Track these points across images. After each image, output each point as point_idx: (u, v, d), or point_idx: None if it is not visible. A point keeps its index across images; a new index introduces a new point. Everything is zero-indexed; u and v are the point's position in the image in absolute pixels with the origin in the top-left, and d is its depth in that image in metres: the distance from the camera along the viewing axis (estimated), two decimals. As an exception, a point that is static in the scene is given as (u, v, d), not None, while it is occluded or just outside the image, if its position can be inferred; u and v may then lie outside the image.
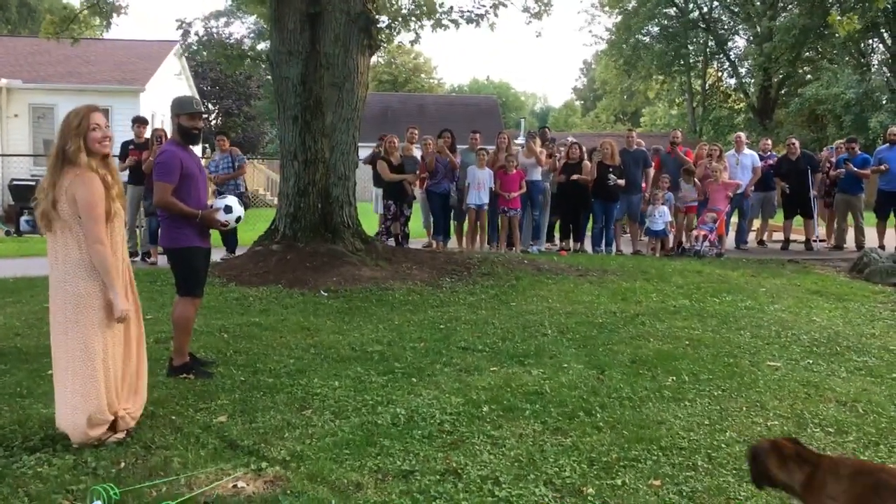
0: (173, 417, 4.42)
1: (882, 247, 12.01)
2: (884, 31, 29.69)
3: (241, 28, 45.52)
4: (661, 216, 12.28)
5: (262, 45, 35.10)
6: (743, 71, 38.35)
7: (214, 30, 42.53)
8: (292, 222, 9.84)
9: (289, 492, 3.45)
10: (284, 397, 4.83)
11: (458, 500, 3.38)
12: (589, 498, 3.42)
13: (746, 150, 13.23)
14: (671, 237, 12.84)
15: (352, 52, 9.89)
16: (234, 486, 3.50)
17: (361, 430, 4.24)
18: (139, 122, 11.67)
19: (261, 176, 29.68)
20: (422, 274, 9.35)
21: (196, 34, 15.65)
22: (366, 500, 3.37)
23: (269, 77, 13.98)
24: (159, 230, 5.80)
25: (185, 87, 27.65)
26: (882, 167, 12.59)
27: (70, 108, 4.20)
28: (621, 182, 12.08)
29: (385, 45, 11.69)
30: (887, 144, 12.85)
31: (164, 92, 23.21)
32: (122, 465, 3.75)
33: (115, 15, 12.61)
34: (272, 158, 30.42)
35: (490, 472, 3.67)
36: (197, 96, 28.52)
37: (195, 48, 33.97)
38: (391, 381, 5.20)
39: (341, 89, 9.85)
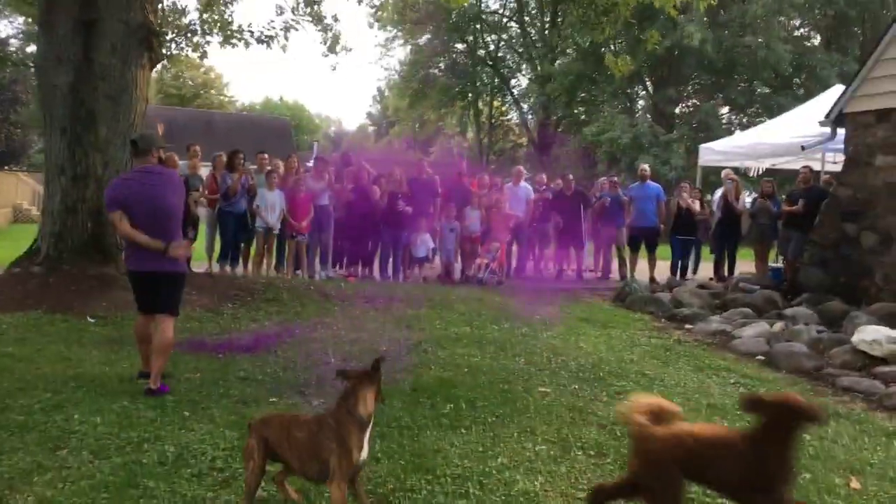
0: None
1: (632, 277, 13.07)
2: (646, 78, 32.75)
3: (7, 28, 41.72)
4: (424, 243, 12.71)
5: (33, 48, 32.39)
6: (525, 107, 40.70)
7: (-25, 26, 38.66)
8: (57, 242, 9.07)
9: (34, 545, 3.13)
10: (36, 436, 4.40)
11: (227, 543, 3.23)
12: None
13: (522, 183, 14.01)
14: (456, 265, 13.27)
15: (130, 64, 9.34)
16: (-32, 543, 3.12)
17: (124, 470, 3.95)
18: None
19: (26, 189, 27.30)
20: (202, 299, 8.95)
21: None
22: (124, 549, 3.13)
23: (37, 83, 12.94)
24: None
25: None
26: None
27: None
28: (408, 210, 12.31)
29: (168, 59, 11.18)
30: (638, 182, 14.09)
31: None
32: None
33: None
34: (39, 170, 28.01)
35: (262, 511, 3.55)
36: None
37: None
38: (161, 415, 4.90)
39: (117, 102, 9.27)
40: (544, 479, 4.11)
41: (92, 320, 7.68)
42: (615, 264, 14.17)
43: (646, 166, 14.73)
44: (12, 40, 38.90)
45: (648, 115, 32.42)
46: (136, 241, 5.40)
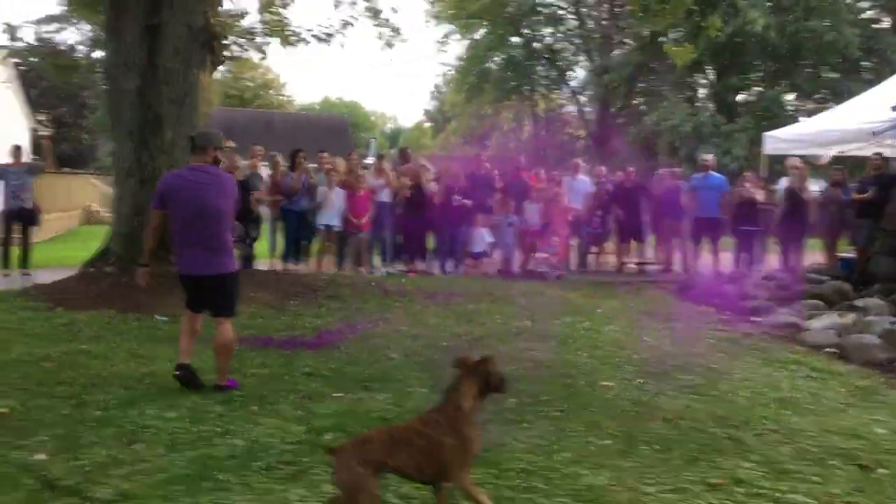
0: (-15, 457, 4.05)
1: (696, 269, 12.83)
2: (707, 66, 32.08)
3: (75, 35, 43.00)
4: (481, 238, 12.68)
5: (99, 54, 33.32)
6: (583, 100, 40.29)
7: (45, 35, 39.91)
8: (127, 243, 9.32)
9: (113, 535, 3.23)
10: (112, 431, 4.54)
11: (297, 535, 3.29)
12: (429, 526, 3.41)
13: (581, 176, 13.88)
14: (515, 259, 13.25)
15: (192, 68, 9.55)
16: (52, 532, 3.25)
17: (196, 463, 4.06)
18: None
19: (95, 191, 28.10)
20: (267, 297, 9.12)
21: (23, 39, 14.66)
22: (198, 540, 3.22)
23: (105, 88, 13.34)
24: (216, 254, 5.54)
25: (10, 97, 25.79)
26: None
27: None
28: (467, 203, 12.33)
29: (229, 61, 11.41)
30: (701, 173, 13.80)
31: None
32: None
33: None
34: (108, 173, 28.85)
35: (331, 504, 3.60)
36: (26, 107, 26.72)
37: (26, 55, 31.73)
38: (230, 410, 5.01)
39: (181, 105, 9.48)
40: (610, 474, 4.07)
41: (161, 319, 7.89)
42: (678, 256, 13.92)
43: (708, 157, 14.42)
44: (80, 47, 40.17)
45: (710, 105, 31.79)
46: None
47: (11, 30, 11.72)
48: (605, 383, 5.94)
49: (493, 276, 12.49)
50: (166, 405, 5.06)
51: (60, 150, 35.10)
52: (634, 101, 35.95)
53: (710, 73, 32.61)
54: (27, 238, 11.34)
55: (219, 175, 5.56)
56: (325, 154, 12.75)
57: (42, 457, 4.10)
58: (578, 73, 40.91)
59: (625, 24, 33.13)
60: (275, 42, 12.15)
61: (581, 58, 39.94)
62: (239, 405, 5.11)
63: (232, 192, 5.63)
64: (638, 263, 14.13)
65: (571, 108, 42.90)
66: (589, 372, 6.30)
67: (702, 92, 34.86)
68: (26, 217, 11.28)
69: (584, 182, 13.85)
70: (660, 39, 28.19)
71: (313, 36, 11.88)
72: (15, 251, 11.31)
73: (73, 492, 3.66)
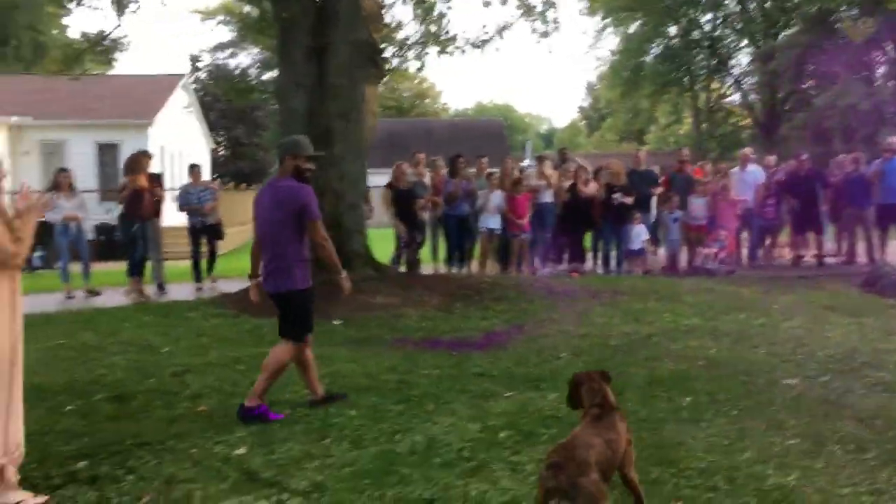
0: (193, 451, 4.43)
1: (883, 260, 11.89)
2: (886, 43, 29.74)
3: (246, 59, 45.95)
4: (639, 235, 12.35)
5: (269, 76, 35.45)
6: (747, 87, 38.43)
7: (220, 61, 42.94)
8: (303, 252, 9.88)
9: (311, 523, 3.46)
10: (302, 428, 4.84)
11: (480, 528, 3.39)
12: (611, 522, 3.41)
13: (750, 167, 13.26)
14: (682, 255, 12.88)
15: (358, 82, 9.99)
16: (257, 519, 3.51)
17: (380, 458, 4.26)
18: (146, 156, 11.64)
19: (269, 205, 29.76)
20: (434, 299, 9.37)
21: (203, 67, 15.86)
22: (388, 530, 3.38)
23: (276, 107, 14.14)
24: (277, 270, 5.23)
25: (193, 120, 27.92)
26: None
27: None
28: (628, 201, 12.12)
29: (391, 74, 11.84)
30: (885, 157, 12.75)
31: (173, 125, 23.47)
32: (145, 500, 3.77)
33: (116, 52, 12.78)
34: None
35: (511, 498, 3.67)
36: (206, 129, 28.84)
37: (205, 81, 34.29)
38: (408, 409, 5.21)
39: (348, 119, 9.94)
40: (799, 474, 3.90)
41: (338, 323, 8.29)
42: (862, 247, 12.99)
43: (894, 139, 13.37)
44: (251, 70, 42.89)
45: (890, 84, 29.43)
46: None
47: (194, 59, 12.70)
48: (786, 381, 5.68)
49: (658, 274, 12.19)
50: (347, 405, 5.33)
51: (238, 167, 37.61)
52: (803, 86, 33.86)
53: (891, 50, 30.19)
54: (213, 251, 12.18)
55: (275, 186, 5.27)
56: (485, 159, 12.94)
57: (242, 451, 4.44)
58: (741, 60, 39.09)
59: (791, 4, 31.32)
60: (431, 51, 12.48)
61: (743, 43, 38.14)
62: (416, 404, 5.30)
63: (286, 200, 5.14)
64: (816, 256, 13.31)
65: (735, 97, 41.02)
66: (768, 370, 6.04)
67: (880, 71, 32.32)
68: (211, 231, 12.13)
69: (753, 173, 13.22)
70: (832, 18, 26.47)
71: (469, 43, 12.09)
72: (202, 264, 12.19)
73: (272, 483, 3.95)
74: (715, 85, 41.71)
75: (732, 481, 3.85)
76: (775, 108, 35.04)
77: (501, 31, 11.93)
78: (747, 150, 14.27)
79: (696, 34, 38.68)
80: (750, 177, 13.11)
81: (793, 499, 3.64)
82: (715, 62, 39.02)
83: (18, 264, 3.86)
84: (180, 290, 11.41)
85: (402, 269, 11.57)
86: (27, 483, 3.90)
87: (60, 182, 11.17)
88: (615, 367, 6.17)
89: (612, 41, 48.56)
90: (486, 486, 3.82)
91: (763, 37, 34.05)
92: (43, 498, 3.77)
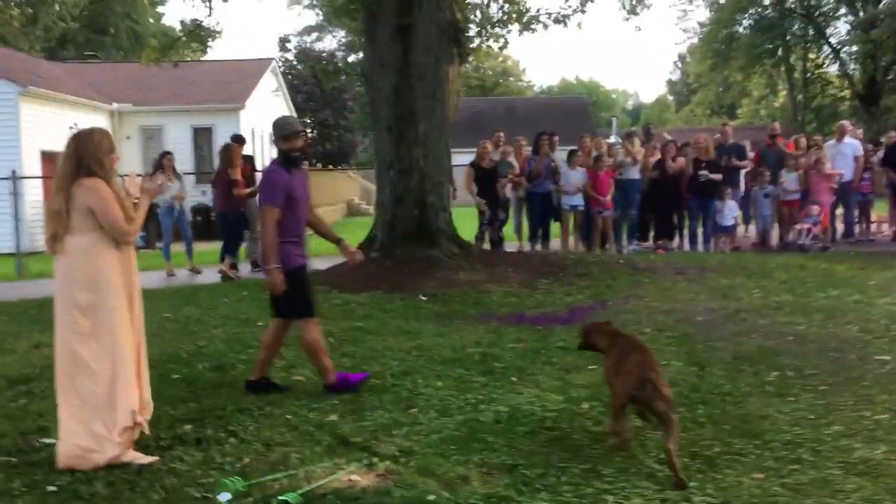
0: (288, 417, 4.68)
1: None
2: None
3: (332, 42, 46.66)
4: (730, 211, 12.09)
5: (353, 58, 35.95)
6: (845, 57, 36.80)
7: (307, 45, 43.74)
8: (390, 230, 10.13)
9: (400, 485, 3.63)
10: (391, 397, 5.04)
11: (562, 492, 3.49)
12: (691, 491, 3.47)
13: (848, 139, 12.79)
14: (774, 231, 12.58)
15: (442, 62, 10.12)
16: (349, 480, 3.71)
17: (465, 427, 4.40)
18: (239, 140, 12.04)
19: (355, 185, 30.39)
20: (518, 276, 9.47)
21: (293, 51, 16.23)
22: (473, 493, 3.52)
23: (362, 89, 14.42)
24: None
25: (281, 103, 28.63)
26: None
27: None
28: (716, 177, 11.90)
29: (474, 53, 11.90)
30: None
31: (263, 108, 24.16)
32: (246, 460, 4.03)
33: (210, 39, 13.24)
34: (365, 168, 31.08)
35: (592, 467, 3.76)
36: (293, 112, 29.53)
37: (293, 65, 35.04)
38: (492, 380, 5.34)
39: (433, 98, 10.08)
40: (887, 448, 3.85)
41: (424, 298, 8.49)
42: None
43: None
44: (337, 53, 43.58)
45: None
46: None
47: (282, 42, 13.06)
48: (879, 357, 5.55)
49: (748, 251, 11.94)
50: (434, 375, 5.50)
51: (324, 149, 38.36)
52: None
53: None
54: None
55: (300, 172, 5.29)
56: (556, 136, 12.85)
57: (334, 418, 4.66)
58: (840, 28, 37.42)
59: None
60: (513, 29, 12.45)
61: (842, 11, 36.48)
62: (500, 376, 5.43)
63: (261, 185, 5.38)
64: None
65: (832, 68, 39.33)
66: (861, 346, 5.91)
67: None
68: None
69: (851, 145, 12.75)
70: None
71: (552, 19, 12.03)
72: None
73: (363, 448, 4.14)
74: (811, 55, 40.10)
75: (817, 454, 3.83)
76: (876, 78, 33.46)
77: (584, 4, 11.80)
78: (845, 122, 13.77)
79: (791, 2, 37.19)
80: (848, 149, 12.66)
81: (879, 471, 3.61)
82: (812, 31, 37.47)
83: (131, 242, 4.16)
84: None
85: (486, 246, 11.69)
86: (138, 445, 4.22)
87: (165, 165, 11.70)
88: (700, 342, 6.18)
89: (701, 13, 47.15)
90: (568, 455, 3.92)
91: (863, 3, 32.48)
92: (153, 458, 4.07)
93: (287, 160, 5.14)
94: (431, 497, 3.47)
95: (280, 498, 3.47)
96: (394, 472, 3.80)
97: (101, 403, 3.99)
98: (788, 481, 3.55)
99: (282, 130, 5.14)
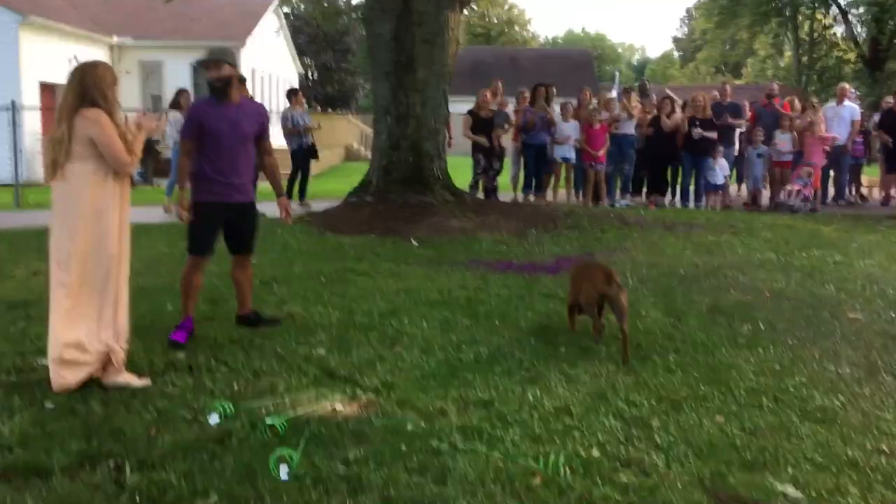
0: (278, 349, 4.87)
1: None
2: None
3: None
4: (721, 170, 12.21)
5: (356, 0, 35.47)
6: (853, 19, 36.44)
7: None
8: (385, 175, 10.24)
9: (380, 415, 3.83)
10: (377, 335, 5.22)
11: (533, 427, 3.70)
12: (654, 429, 3.67)
13: (846, 103, 12.84)
14: (765, 191, 12.71)
15: (442, 8, 10.10)
16: (333, 409, 3.91)
17: (446, 365, 4.60)
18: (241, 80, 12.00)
19: (355, 130, 30.28)
20: (508, 225, 9.62)
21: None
22: (448, 424, 3.72)
23: (364, 32, 14.34)
24: None
25: (282, 43, 28.38)
26: None
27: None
28: (711, 135, 11.97)
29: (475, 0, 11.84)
30: None
31: (263, 49, 23.96)
32: (235, 387, 4.22)
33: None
34: (366, 113, 30.92)
35: (563, 405, 3.97)
36: (294, 53, 29.22)
37: (294, 4, 34.55)
38: (475, 323, 5.53)
39: (433, 45, 10.10)
40: (845, 399, 4.06)
41: (415, 243, 8.65)
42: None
43: None
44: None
45: None
46: None
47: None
48: (851, 315, 5.75)
49: (739, 209, 12.09)
50: (420, 316, 5.68)
51: (325, 91, 38.11)
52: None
53: None
54: (307, 171, 12.60)
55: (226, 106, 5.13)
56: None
57: (321, 352, 4.85)
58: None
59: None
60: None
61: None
62: (484, 319, 5.62)
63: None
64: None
65: (840, 29, 38.96)
66: (835, 304, 6.10)
67: None
68: (310, 153, 12.55)
69: (850, 109, 12.79)
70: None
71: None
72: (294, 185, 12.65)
73: (348, 380, 4.34)
74: (819, 15, 39.69)
75: (778, 401, 4.04)
76: (882, 42, 33.24)
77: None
78: (845, 85, 13.80)
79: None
80: (846, 113, 12.71)
81: (834, 418, 3.81)
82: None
83: (129, 173, 4.29)
84: (268, 208, 11.90)
85: (480, 195, 11.81)
86: (132, 367, 4.40)
87: (182, 103, 11.68)
88: (679, 295, 6.36)
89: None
90: (541, 393, 4.12)
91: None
92: (147, 381, 4.26)
93: (211, 90, 5.06)
94: (409, 427, 3.67)
95: (267, 421, 3.66)
96: (375, 403, 4.00)
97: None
98: (748, 425, 3.75)
99: (204, 59, 5.04)
